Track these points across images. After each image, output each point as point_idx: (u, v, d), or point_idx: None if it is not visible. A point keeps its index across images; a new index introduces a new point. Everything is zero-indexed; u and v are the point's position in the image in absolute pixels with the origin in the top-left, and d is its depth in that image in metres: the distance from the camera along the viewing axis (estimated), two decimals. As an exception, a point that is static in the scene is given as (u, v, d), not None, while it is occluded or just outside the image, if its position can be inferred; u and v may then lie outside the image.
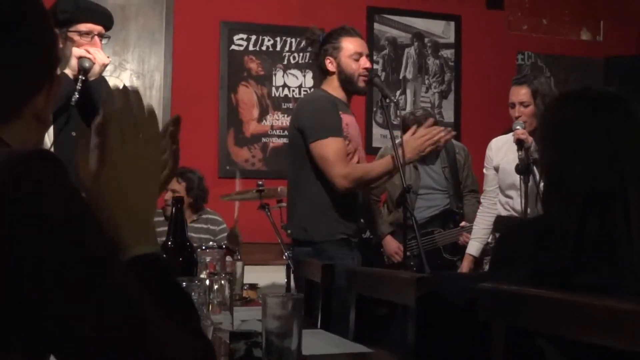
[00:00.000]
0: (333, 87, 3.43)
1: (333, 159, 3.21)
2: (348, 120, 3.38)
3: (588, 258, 1.57)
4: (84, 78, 2.87)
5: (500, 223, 3.93)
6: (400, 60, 5.81)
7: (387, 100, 3.40)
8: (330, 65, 3.41)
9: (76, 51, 2.89)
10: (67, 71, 2.91)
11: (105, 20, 3.03)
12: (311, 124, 3.28)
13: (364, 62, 3.40)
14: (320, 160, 3.25)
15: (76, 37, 2.94)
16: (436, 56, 5.91)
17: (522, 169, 3.56)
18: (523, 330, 1.42)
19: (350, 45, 3.39)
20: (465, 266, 4.11)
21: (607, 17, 6.34)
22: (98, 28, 2.97)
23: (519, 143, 3.64)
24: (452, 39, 5.93)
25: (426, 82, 5.89)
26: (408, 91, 5.83)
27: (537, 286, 1.49)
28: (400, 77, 5.81)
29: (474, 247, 4.10)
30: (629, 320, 1.17)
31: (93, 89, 2.91)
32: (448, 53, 5.94)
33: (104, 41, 3.01)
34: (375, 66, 5.51)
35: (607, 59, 6.04)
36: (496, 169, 4.04)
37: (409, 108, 5.61)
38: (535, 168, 3.50)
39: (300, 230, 3.35)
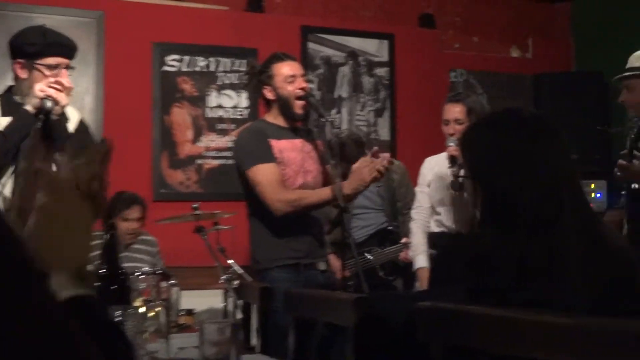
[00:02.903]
0: (274, 115, 3.51)
1: (265, 184, 3.31)
2: (285, 146, 3.44)
3: (528, 280, 1.59)
4: (44, 117, 2.83)
5: (435, 240, 3.97)
6: (334, 79, 5.83)
7: (323, 119, 3.44)
8: (270, 94, 3.49)
9: (38, 91, 2.82)
10: (29, 107, 2.85)
11: (72, 53, 3.04)
12: (241, 155, 3.43)
13: (299, 83, 3.45)
14: (255, 188, 3.35)
15: (44, 71, 2.91)
16: (371, 74, 5.95)
17: (456, 185, 3.63)
18: (462, 348, 1.43)
19: (282, 70, 3.46)
20: (423, 279, 3.97)
21: (535, 35, 6.52)
22: (65, 61, 2.98)
23: (452, 160, 3.74)
24: (386, 58, 5.99)
25: (361, 100, 5.92)
26: (343, 110, 5.85)
27: (473, 304, 1.51)
28: (335, 96, 5.83)
29: (422, 260, 4.01)
30: (567, 335, 1.18)
31: (53, 125, 2.87)
32: (382, 71, 5.99)
33: (69, 72, 2.98)
34: (310, 85, 5.50)
35: (536, 75, 6.16)
36: (429, 186, 4.11)
37: (345, 127, 5.63)
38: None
39: (252, 259, 3.46)
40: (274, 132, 3.46)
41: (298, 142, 3.52)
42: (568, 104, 5.72)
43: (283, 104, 3.47)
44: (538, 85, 6.08)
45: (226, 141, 5.36)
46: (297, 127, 3.57)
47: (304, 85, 3.48)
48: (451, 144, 3.77)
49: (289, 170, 3.42)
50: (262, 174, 3.33)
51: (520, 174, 1.66)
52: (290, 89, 3.45)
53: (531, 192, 1.64)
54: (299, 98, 3.46)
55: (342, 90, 5.87)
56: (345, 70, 5.88)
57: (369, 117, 5.93)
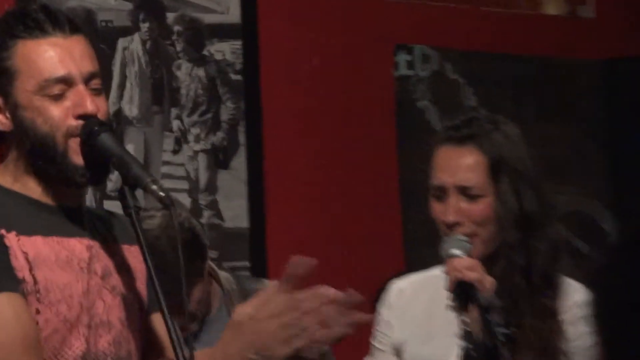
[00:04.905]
0: (13, 172, 3.52)
1: None
2: (43, 252, 3.39)
3: None
4: None
5: None
6: (108, 69, 6.20)
7: (133, 191, 3.39)
8: (3, 119, 3.50)
9: None
10: None
11: None
12: None
13: (80, 98, 3.33)
14: None
15: None
16: (198, 60, 6.47)
17: (480, 351, 3.86)
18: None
19: (35, 63, 3.40)
20: None
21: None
22: None
23: (462, 290, 3.91)
24: (236, 17, 6.52)
25: (176, 123, 6.34)
26: (130, 147, 6.16)
27: None
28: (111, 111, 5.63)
29: None
30: None
31: None
32: (227, 49, 6.49)
33: None
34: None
35: (608, 61, 6.32)
36: (398, 351, 4.37)
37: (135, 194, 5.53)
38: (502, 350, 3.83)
39: None
40: (14, 216, 3.43)
41: (77, 244, 3.48)
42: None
43: (38, 149, 3.43)
44: (613, 82, 6.29)
45: None
46: (78, 205, 3.56)
47: (88, 108, 3.34)
48: (456, 251, 3.93)
49: (50, 317, 3.35)
50: None
51: None
52: (58, 115, 3.35)
53: None
54: (82, 135, 3.45)
55: (127, 98, 6.30)
56: (134, 48, 6.33)
57: (194, 167, 6.45)
